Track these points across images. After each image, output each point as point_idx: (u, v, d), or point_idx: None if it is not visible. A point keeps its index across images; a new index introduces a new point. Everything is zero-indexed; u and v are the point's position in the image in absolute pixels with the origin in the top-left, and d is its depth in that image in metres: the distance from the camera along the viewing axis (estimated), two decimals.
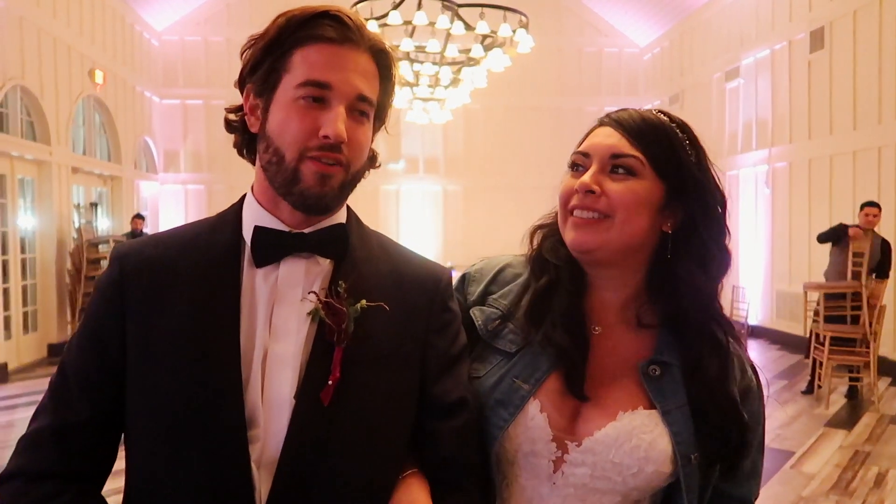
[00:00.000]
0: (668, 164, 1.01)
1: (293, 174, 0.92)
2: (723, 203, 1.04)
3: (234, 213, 1.00)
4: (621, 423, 0.99)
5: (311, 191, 0.92)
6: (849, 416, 5.65)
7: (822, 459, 4.64)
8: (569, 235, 1.03)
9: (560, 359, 1.02)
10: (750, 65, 9.44)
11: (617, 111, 1.06)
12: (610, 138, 1.02)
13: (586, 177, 1.01)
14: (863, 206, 6.29)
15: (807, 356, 6.73)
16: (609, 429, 0.99)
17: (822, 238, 6.43)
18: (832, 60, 7.80)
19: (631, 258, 1.04)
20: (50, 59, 8.12)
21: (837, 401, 6.04)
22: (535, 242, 1.12)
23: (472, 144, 12.29)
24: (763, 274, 9.17)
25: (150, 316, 0.93)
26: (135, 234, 9.39)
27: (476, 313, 1.10)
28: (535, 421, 1.00)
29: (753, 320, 9.19)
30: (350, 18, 0.93)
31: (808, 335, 6.61)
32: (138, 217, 9.58)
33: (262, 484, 0.89)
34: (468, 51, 7.43)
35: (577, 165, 1.05)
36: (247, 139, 1.00)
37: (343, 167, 0.93)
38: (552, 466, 1.01)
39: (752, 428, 1.03)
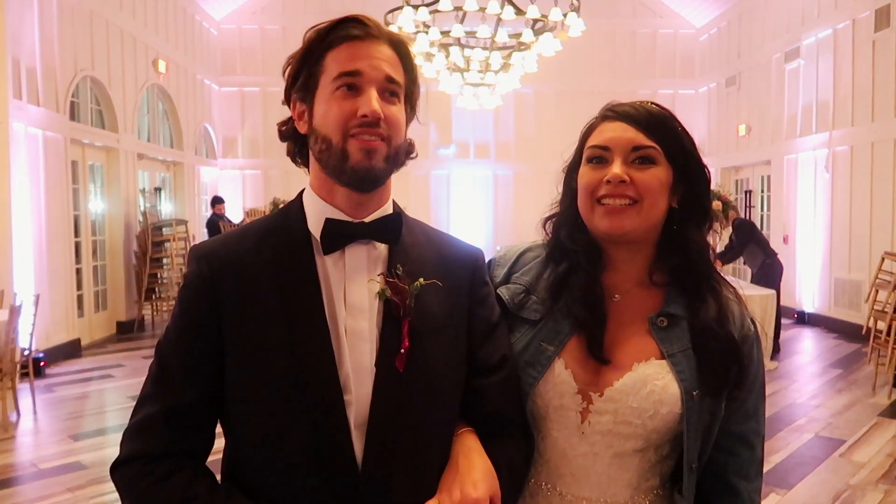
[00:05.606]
0: (676, 151, 1.15)
1: (342, 154, 1.02)
2: (708, 176, 1.20)
3: (297, 207, 1.11)
4: (636, 373, 1.12)
5: (360, 164, 1.02)
6: None
7: (874, 449, 4.57)
8: (602, 223, 1.14)
9: (580, 328, 1.14)
10: (811, 45, 9.14)
11: (614, 105, 1.19)
12: (627, 132, 1.14)
13: (617, 169, 1.13)
14: None
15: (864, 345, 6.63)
16: (626, 378, 1.11)
17: None
18: None
19: (650, 232, 1.17)
20: (117, 51, 8.50)
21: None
22: (550, 232, 1.25)
23: (523, 129, 12.27)
24: (821, 261, 8.93)
25: (243, 305, 1.03)
26: (221, 217, 9.77)
27: (503, 291, 1.22)
28: (560, 377, 1.13)
29: (810, 308, 8.99)
30: (368, 19, 1.07)
31: (869, 321, 6.46)
32: (220, 201, 9.95)
33: (357, 442, 1.01)
34: (519, 35, 7.44)
35: (598, 158, 1.16)
36: (298, 147, 1.12)
37: (385, 141, 1.04)
38: (580, 417, 1.13)
39: (748, 366, 1.14)
